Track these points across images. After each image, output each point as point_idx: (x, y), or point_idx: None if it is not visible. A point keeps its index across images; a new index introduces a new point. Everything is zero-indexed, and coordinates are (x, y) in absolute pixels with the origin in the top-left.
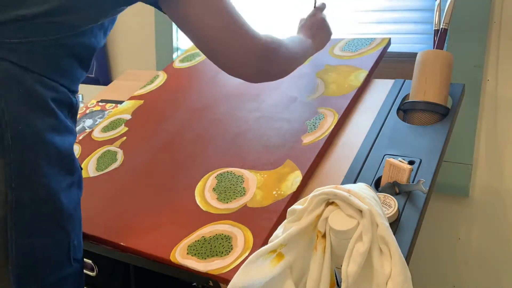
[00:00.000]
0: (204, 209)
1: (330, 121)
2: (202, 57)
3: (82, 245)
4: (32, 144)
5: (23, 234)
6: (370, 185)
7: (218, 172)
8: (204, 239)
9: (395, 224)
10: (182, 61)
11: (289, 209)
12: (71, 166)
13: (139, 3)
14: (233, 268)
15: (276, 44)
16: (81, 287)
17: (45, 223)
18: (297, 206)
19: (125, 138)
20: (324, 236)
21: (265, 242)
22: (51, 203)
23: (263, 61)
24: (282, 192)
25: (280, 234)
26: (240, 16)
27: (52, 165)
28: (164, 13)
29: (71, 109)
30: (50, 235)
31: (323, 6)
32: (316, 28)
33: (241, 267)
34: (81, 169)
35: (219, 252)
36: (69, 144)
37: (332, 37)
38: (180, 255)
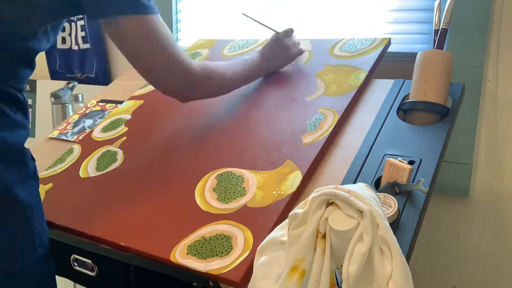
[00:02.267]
0: (204, 209)
1: (330, 121)
2: (202, 57)
3: (47, 230)
4: None
5: None
6: (370, 185)
7: (218, 172)
8: (204, 239)
9: (395, 224)
10: None
11: (290, 214)
12: (24, 159)
13: None
14: (233, 268)
15: (207, 72)
16: (51, 270)
17: (6, 216)
18: (298, 210)
19: (125, 138)
20: (324, 236)
21: None
22: (9, 197)
23: (190, 89)
24: (282, 192)
25: (278, 235)
26: (175, 44)
27: (4, 161)
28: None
29: (19, 105)
30: (12, 226)
31: (290, 32)
32: (275, 51)
33: None
34: (34, 160)
35: (219, 252)
36: (20, 139)
37: (332, 37)
38: (180, 255)
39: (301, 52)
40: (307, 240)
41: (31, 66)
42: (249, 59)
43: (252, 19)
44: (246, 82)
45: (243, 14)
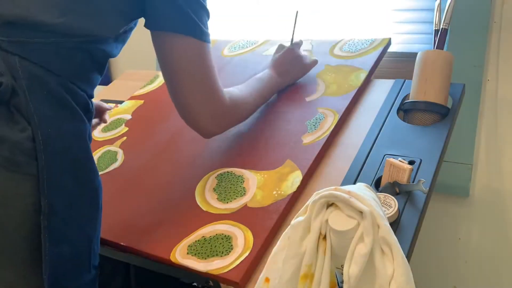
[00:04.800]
0: (204, 209)
1: (330, 121)
2: None
3: (98, 249)
4: (60, 147)
5: (54, 242)
6: (370, 185)
7: (218, 172)
8: (204, 239)
9: (395, 224)
10: None
11: (292, 223)
12: (93, 170)
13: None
14: (233, 268)
15: (234, 105)
16: None
17: (72, 230)
18: (299, 218)
19: (125, 138)
20: (325, 237)
21: (265, 242)
22: (78, 209)
23: (215, 122)
24: (282, 192)
25: (281, 248)
26: (216, 76)
27: (78, 170)
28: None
29: (87, 113)
30: (76, 242)
31: (299, 43)
32: (288, 64)
33: None
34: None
35: (219, 252)
36: (89, 149)
37: (332, 37)
38: (180, 255)
39: (316, 62)
40: (312, 245)
41: (101, 71)
42: (265, 78)
43: (295, 23)
44: (265, 102)
45: (297, 12)
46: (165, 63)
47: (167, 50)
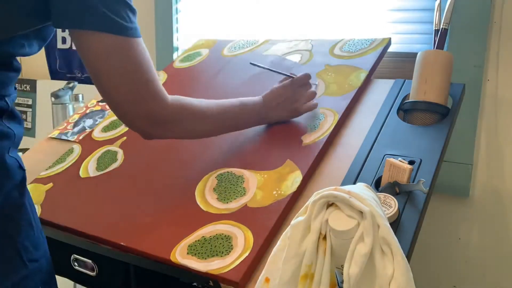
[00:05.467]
0: (204, 209)
1: (330, 121)
2: (202, 57)
3: (42, 243)
4: None
5: None
6: (370, 185)
7: (218, 172)
8: (204, 239)
9: (395, 224)
10: (182, 61)
11: (292, 223)
12: (6, 170)
13: None
14: (233, 268)
15: (179, 109)
16: (49, 285)
17: None
18: (299, 218)
19: (125, 138)
20: (325, 237)
21: (265, 242)
22: None
23: (153, 125)
24: (282, 192)
25: (281, 248)
26: (149, 73)
27: None
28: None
29: (3, 112)
30: None
31: (305, 79)
32: (280, 101)
33: None
34: (24, 169)
35: (219, 252)
36: (1, 149)
37: (332, 37)
38: (180, 255)
39: (309, 108)
40: (312, 245)
41: (12, 68)
42: (249, 101)
43: (261, 66)
44: (237, 126)
45: (251, 63)
46: (85, 62)
47: (84, 49)
